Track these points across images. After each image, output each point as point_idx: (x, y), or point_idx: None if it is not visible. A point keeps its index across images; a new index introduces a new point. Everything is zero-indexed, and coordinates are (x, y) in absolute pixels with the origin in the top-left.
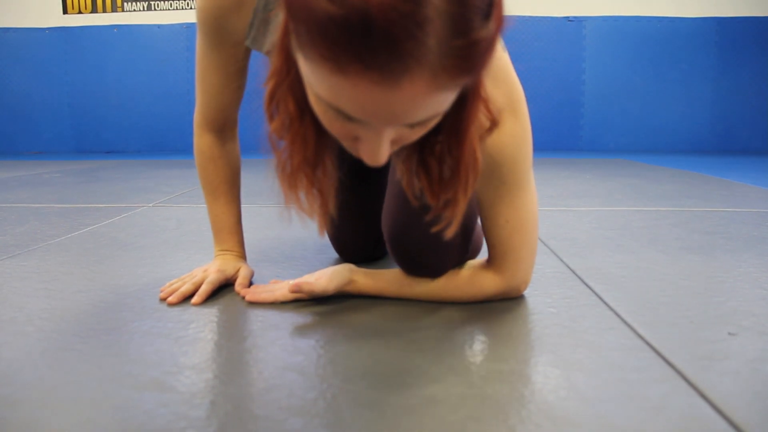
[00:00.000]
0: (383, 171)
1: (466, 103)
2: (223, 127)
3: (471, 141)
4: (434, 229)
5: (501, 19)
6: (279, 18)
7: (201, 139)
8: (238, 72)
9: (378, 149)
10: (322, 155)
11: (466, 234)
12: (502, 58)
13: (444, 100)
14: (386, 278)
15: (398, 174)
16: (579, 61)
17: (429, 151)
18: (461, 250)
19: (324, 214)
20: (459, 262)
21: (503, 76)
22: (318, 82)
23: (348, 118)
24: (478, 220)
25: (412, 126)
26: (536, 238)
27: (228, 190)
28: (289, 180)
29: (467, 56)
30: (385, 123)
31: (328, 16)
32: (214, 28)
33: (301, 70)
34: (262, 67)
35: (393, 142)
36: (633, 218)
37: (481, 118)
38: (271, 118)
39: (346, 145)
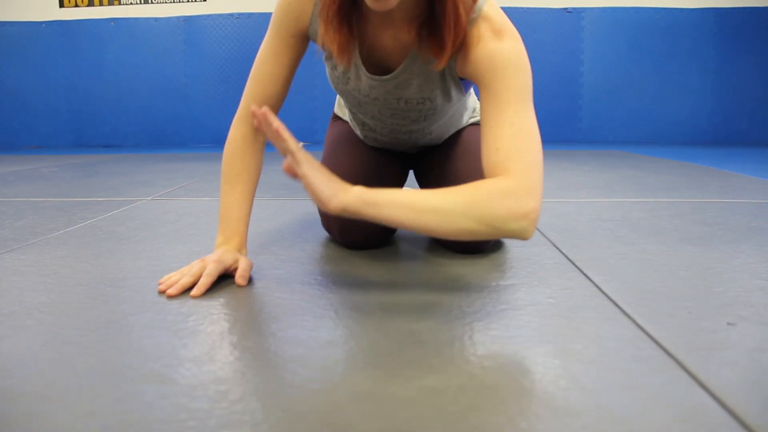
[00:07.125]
0: (397, 167)
1: None
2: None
3: None
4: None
5: None
6: None
7: (237, 130)
8: (291, 64)
9: None
10: (348, 16)
11: None
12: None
13: None
14: (391, 192)
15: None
16: (577, 53)
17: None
18: None
19: (347, 50)
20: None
21: (508, 26)
22: None
23: None
24: None
25: None
26: (541, 152)
27: (247, 179)
28: (328, 20)
29: None
30: None
31: None
32: (289, 19)
33: None
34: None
35: None
36: (632, 209)
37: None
38: None
39: None
